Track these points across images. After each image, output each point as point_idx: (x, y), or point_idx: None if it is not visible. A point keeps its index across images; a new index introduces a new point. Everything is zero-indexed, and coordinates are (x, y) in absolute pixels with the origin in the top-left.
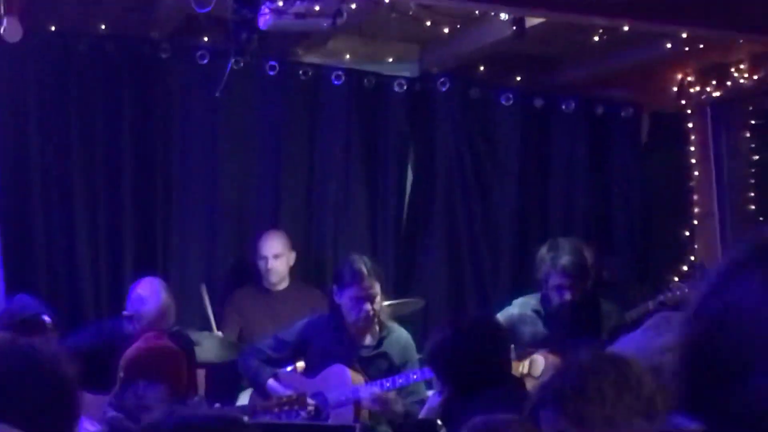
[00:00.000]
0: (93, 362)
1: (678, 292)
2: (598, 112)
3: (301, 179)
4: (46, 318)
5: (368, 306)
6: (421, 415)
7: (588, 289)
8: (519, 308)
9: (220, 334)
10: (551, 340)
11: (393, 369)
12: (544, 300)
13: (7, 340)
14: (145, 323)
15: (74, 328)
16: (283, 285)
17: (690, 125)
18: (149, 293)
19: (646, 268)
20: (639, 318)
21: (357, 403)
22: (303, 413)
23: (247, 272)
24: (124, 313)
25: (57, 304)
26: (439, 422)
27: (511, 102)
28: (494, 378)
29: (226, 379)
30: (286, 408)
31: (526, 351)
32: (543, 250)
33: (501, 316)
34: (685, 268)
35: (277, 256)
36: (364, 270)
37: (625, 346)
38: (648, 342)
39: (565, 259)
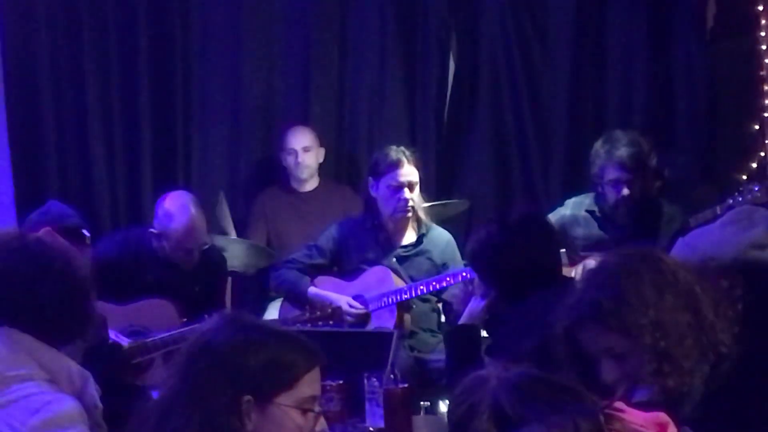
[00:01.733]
0: (118, 273)
1: (749, 195)
2: None
3: (331, 71)
4: (86, 232)
5: (406, 193)
6: (462, 320)
7: (648, 187)
8: (571, 209)
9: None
10: (606, 243)
11: (435, 268)
12: (599, 199)
13: (15, 237)
14: (174, 241)
15: (98, 238)
16: (313, 184)
17: (761, 8)
18: (177, 209)
19: (712, 166)
20: (705, 223)
21: (400, 306)
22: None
23: (274, 173)
24: (152, 230)
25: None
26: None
27: None
28: (544, 279)
29: (253, 288)
30: (320, 323)
31: (578, 255)
32: (598, 144)
33: (552, 218)
34: (754, 165)
35: (306, 149)
36: (402, 156)
37: (700, 240)
38: (731, 236)
39: (622, 151)
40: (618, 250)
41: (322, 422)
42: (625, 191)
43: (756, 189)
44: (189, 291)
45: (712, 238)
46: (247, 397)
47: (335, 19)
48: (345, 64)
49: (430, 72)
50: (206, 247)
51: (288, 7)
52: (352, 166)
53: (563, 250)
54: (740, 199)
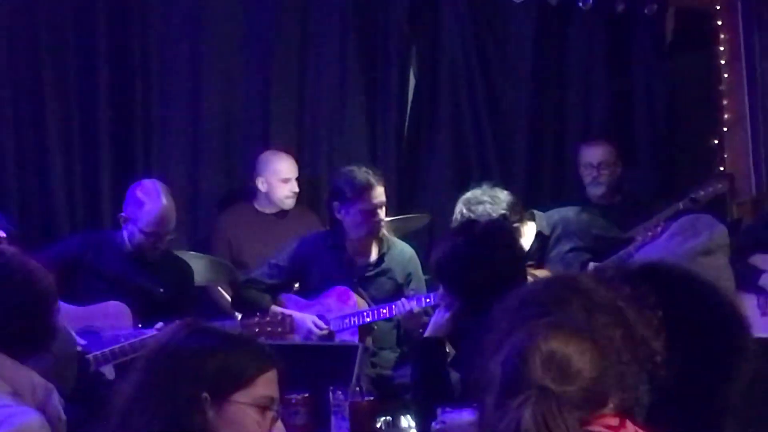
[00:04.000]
0: (81, 268)
1: (710, 189)
2: (619, 8)
3: (292, 89)
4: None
5: (380, 215)
6: (427, 333)
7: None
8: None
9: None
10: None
11: (397, 287)
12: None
13: None
14: (145, 224)
15: (55, 241)
16: (280, 208)
17: (719, 23)
18: (150, 194)
19: (671, 180)
20: (670, 218)
21: (362, 328)
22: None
23: (234, 192)
24: (121, 215)
25: (28, 217)
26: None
27: None
28: (509, 289)
29: (212, 304)
30: (269, 329)
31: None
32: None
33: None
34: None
35: (297, 178)
36: (372, 179)
37: (651, 252)
38: (676, 247)
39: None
40: (536, 280)
41: (279, 426)
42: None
43: (719, 185)
44: (153, 291)
45: (661, 249)
46: (205, 395)
47: (295, 37)
48: (305, 82)
49: (390, 88)
50: (171, 237)
51: (247, 26)
52: (313, 184)
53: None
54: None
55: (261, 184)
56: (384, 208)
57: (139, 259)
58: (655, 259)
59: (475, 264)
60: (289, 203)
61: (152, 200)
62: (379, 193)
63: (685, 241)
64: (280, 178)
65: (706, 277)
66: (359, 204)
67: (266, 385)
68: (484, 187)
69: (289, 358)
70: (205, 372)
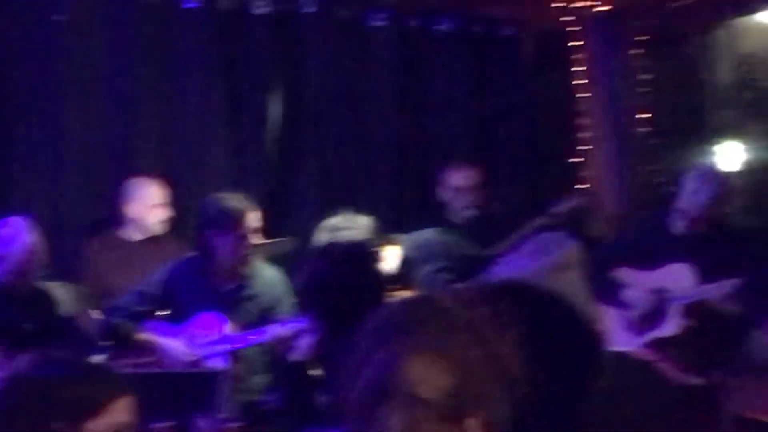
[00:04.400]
0: None
1: (568, 205)
2: (478, 32)
3: (155, 116)
4: None
5: (253, 240)
6: (294, 357)
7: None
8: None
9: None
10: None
11: (265, 312)
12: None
13: None
14: (12, 264)
15: None
16: (149, 234)
17: (575, 44)
18: (16, 231)
19: (534, 199)
20: (530, 234)
21: (231, 354)
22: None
23: (102, 221)
24: None
25: None
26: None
27: (383, 23)
28: (371, 311)
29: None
30: (141, 360)
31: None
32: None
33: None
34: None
35: (166, 204)
36: (244, 206)
37: (507, 271)
38: (532, 264)
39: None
40: (397, 301)
41: None
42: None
43: (577, 200)
44: (21, 325)
45: (516, 267)
46: (58, 425)
47: (158, 64)
48: (169, 108)
49: (254, 113)
50: (33, 283)
51: (110, 54)
52: (180, 213)
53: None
54: (561, 208)
55: (129, 211)
56: (256, 234)
57: (4, 295)
58: (512, 276)
59: (335, 287)
60: (161, 229)
61: (18, 238)
62: (253, 219)
63: (539, 259)
64: (150, 204)
65: (561, 294)
66: (234, 231)
67: (119, 413)
68: (344, 214)
69: (154, 386)
70: (56, 402)
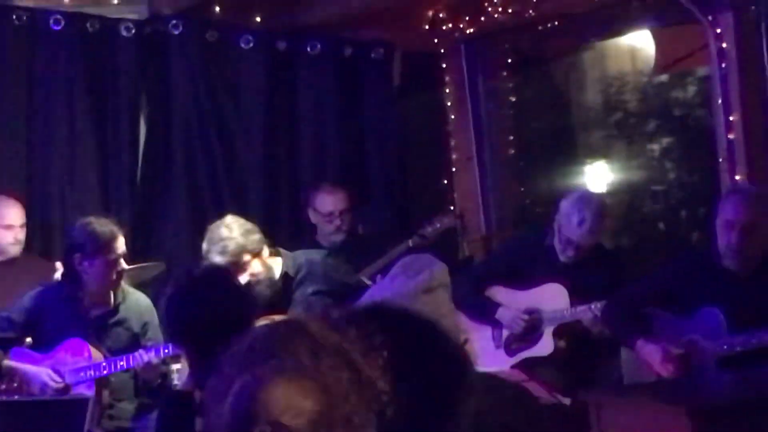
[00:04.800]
0: None
1: (438, 225)
2: (347, 53)
3: (21, 138)
4: None
5: (123, 265)
6: (178, 385)
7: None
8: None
9: None
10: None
11: (134, 338)
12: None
13: None
14: None
15: None
16: (6, 256)
17: (444, 65)
18: None
19: (404, 219)
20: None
21: (98, 381)
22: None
23: None
24: None
25: None
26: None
27: (251, 45)
28: (236, 335)
29: None
30: (3, 387)
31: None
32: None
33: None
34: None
35: (22, 225)
36: (113, 231)
37: (375, 294)
38: (399, 287)
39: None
40: (264, 324)
41: None
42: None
43: (446, 220)
44: None
45: (385, 290)
46: None
47: (23, 85)
48: (34, 130)
49: (121, 135)
50: None
51: None
52: (45, 236)
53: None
54: (430, 230)
55: None
56: (125, 259)
57: None
58: (379, 299)
59: (194, 312)
60: (14, 251)
61: None
62: (121, 244)
63: (407, 281)
64: (2, 225)
65: (428, 316)
66: (102, 256)
67: None
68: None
69: (20, 414)
70: None
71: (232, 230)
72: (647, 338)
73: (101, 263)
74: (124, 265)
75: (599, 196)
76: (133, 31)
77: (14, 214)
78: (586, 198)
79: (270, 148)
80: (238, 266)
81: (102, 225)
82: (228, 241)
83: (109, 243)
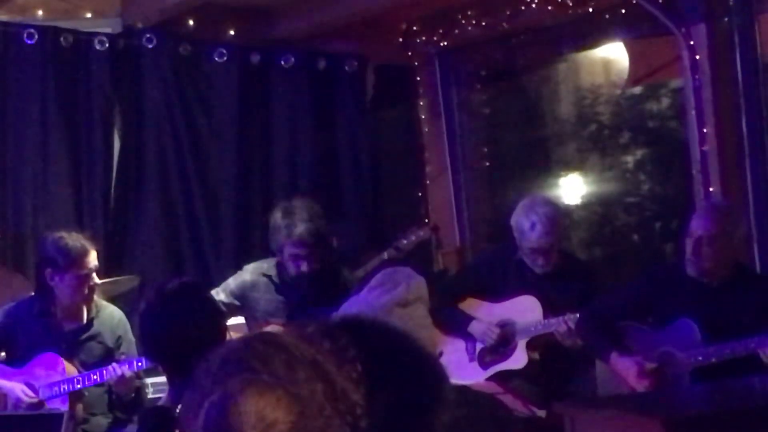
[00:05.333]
0: None
1: (413, 237)
2: (320, 66)
3: None
4: None
5: (95, 279)
6: (162, 401)
7: (327, 256)
8: (251, 274)
9: None
10: (286, 308)
11: (107, 352)
12: (280, 267)
13: None
14: None
15: None
16: None
17: (418, 78)
18: None
19: (379, 232)
20: (375, 268)
21: (72, 395)
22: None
23: None
24: None
25: None
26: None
27: (225, 58)
28: (209, 349)
29: None
30: None
31: (260, 320)
32: (277, 216)
33: (233, 282)
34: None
35: None
36: (84, 245)
37: (352, 307)
38: (375, 300)
39: (300, 228)
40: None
41: None
42: (305, 267)
43: (420, 233)
44: None
45: (361, 303)
46: None
47: None
48: (6, 144)
49: (94, 149)
50: None
51: None
52: (18, 249)
53: (241, 317)
54: (405, 242)
55: None
56: (96, 274)
57: None
58: (354, 312)
59: (168, 327)
60: None
61: None
62: (93, 258)
63: (383, 294)
64: None
65: (403, 329)
66: (74, 271)
67: None
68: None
69: None
70: None
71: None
72: (621, 352)
73: (72, 278)
74: (96, 279)
75: (544, 198)
76: (107, 44)
77: None
78: (530, 203)
79: (243, 162)
80: None
81: (73, 240)
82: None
83: (80, 258)
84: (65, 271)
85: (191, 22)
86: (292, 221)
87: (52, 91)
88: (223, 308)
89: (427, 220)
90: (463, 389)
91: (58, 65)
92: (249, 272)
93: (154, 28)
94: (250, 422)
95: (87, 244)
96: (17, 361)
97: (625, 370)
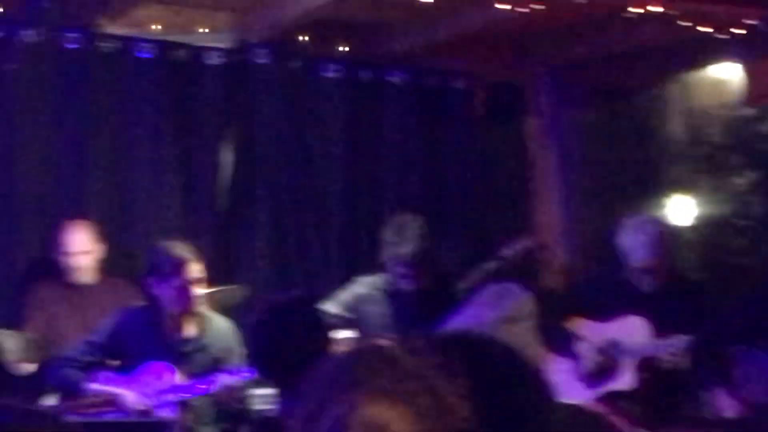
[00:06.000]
0: None
1: (518, 247)
2: (431, 83)
3: (107, 163)
4: None
5: (196, 291)
6: (270, 413)
7: (436, 273)
8: (364, 287)
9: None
10: (398, 324)
11: (215, 362)
12: (391, 281)
13: None
14: None
15: None
16: (91, 279)
17: (527, 96)
18: None
19: (483, 250)
20: (480, 280)
21: (180, 404)
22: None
23: (51, 266)
24: None
25: None
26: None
27: (336, 74)
28: (315, 362)
29: (28, 381)
30: (97, 410)
31: (372, 333)
32: (387, 233)
33: (346, 294)
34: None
35: (83, 252)
36: (186, 255)
37: (459, 322)
38: (483, 316)
39: (407, 248)
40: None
41: None
42: (412, 284)
43: (527, 242)
44: None
45: (469, 318)
46: None
47: (110, 113)
48: (120, 155)
49: (206, 162)
50: None
51: (60, 98)
52: (130, 259)
53: (352, 329)
54: (511, 252)
55: (62, 256)
56: (199, 285)
57: None
58: (462, 328)
59: (278, 340)
60: (76, 278)
61: None
62: (194, 269)
63: (491, 310)
64: (62, 251)
65: (511, 345)
66: (174, 280)
67: None
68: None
69: None
70: None
71: None
72: (729, 389)
73: (173, 286)
74: (198, 290)
75: (650, 217)
76: (221, 59)
77: (75, 241)
78: (636, 222)
79: (352, 176)
80: None
81: (176, 248)
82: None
83: (180, 266)
84: (166, 279)
85: (304, 38)
86: (400, 240)
87: (166, 104)
88: (335, 321)
89: (533, 237)
90: (573, 408)
91: (173, 79)
92: (361, 285)
93: (268, 44)
94: None
95: (188, 254)
96: (128, 369)
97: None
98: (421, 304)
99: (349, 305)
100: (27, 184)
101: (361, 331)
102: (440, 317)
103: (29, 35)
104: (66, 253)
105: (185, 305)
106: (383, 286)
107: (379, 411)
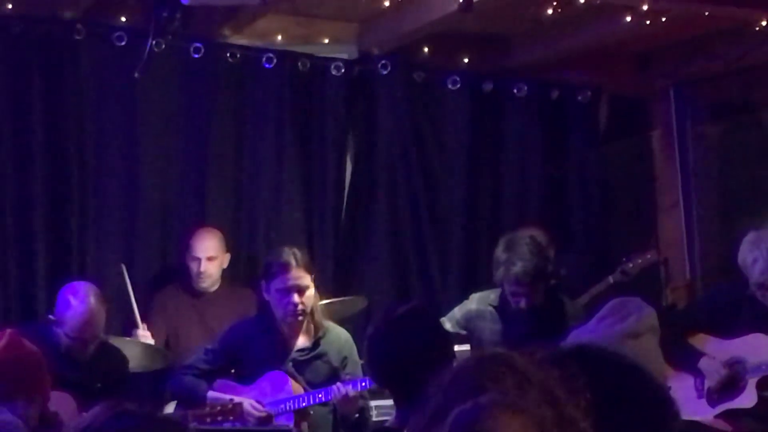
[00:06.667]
0: None
1: (639, 260)
2: (553, 96)
3: (229, 172)
4: None
5: (296, 297)
6: (389, 423)
7: (548, 289)
8: (477, 303)
9: (146, 333)
10: (510, 340)
11: (333, 371)
12: (504, 298)
13: None
14: (70, 329)
15: None
16: (214, 287)
17: (652, 110)
18: (76, 298)
19: (605, 264)
20: (601, 293)
21: (298, 413)
22: (239, 423)
23: (173, 272)
24: (50, 317)
25: None
26: None
27: (458, 86)
28: (437, 371)
29: (150, 389)
30: (219, 418)
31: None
32: (499, 250)
33: (459, 311)
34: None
35: (211, 258)
36: (291, 260)
37: (581, 336)
38: (605, 330)
39: (518, 267)
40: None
41: None
42: (523, 303)
43: (648, 256)
44: (89, 385)
45: (591, 333)
46: None
47: (232, 119)
48: (242, 164)
49: (327, 172)
50: (100, 341)
51: (184, 108)
52: (251, 267)
53: (467, 345)
54: (631, 265)
55: (187, 263)
56: (305, 292)
57: (73, 356)
58: (584, 341)
59: (398, 351)
60: (201, 284)
61: (79, 304)
62: (297, 276)
63: (613, 324)
64: (192, 256)
65: (634, 360)
66: (278, 282)
67: None
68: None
69: None
70: None
71: None
72: None
73: (278, 286)
74: (298, 298)
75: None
76: (342, 70)
77: (202, 246)
78: (755, 238)
79: (472, 189)
80: None
81: (285, 252)
82: None
83: (282, 269)
84: (271, 280)
85: (426, 50)
86: (512, 259)
87: (288, 114)
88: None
89: (655, 250)
90: (693, 425)
91: (295, 89)
92: (475, 301)
93: (390, 55)
94: None
95: (295, 260)
96: (246, 377)
97: None
98: (533, 322)
99: (463, 321)
100: (150, 192)
101: (474, 347)
102: (553, 335)
103: (156, 45)
104: (194, 259)
105: (284, 311)
106: (496, 302)
107: (507, 420)
